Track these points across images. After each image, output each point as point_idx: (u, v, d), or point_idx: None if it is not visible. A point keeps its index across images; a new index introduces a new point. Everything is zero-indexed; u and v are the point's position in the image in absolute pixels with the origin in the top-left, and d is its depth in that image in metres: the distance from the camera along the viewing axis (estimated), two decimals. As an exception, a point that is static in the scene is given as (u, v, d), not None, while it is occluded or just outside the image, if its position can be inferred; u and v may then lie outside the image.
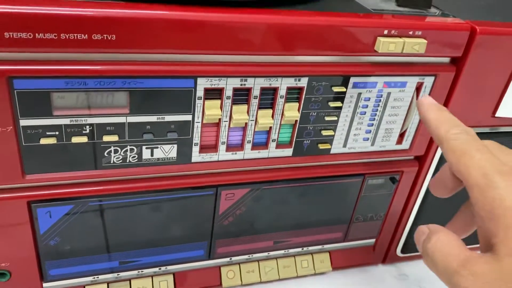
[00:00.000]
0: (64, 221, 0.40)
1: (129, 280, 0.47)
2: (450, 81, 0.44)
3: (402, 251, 0.57)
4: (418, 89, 0.44)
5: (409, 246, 0.56)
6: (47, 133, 0.35)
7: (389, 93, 0.43)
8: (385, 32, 0.39)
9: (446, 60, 0.43)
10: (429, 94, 0.44)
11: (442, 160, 0.49)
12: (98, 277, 0.45)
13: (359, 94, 0.42)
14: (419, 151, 0.48)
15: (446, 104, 0.45)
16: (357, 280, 0.55)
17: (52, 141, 0.36)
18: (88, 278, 0.45)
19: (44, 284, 0.44)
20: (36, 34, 0.31)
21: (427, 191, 0.51)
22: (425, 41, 0.39)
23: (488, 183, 0.30)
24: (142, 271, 0.47)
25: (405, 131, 0.46)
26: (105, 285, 0.46)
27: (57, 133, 0.36)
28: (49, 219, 0.40)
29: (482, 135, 0.48)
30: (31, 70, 0.32)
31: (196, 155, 0.41)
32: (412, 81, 0.43)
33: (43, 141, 0.36)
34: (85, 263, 0.44)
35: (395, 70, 0.41)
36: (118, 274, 0.46)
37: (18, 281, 0.42)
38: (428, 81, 0.43)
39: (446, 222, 0.55)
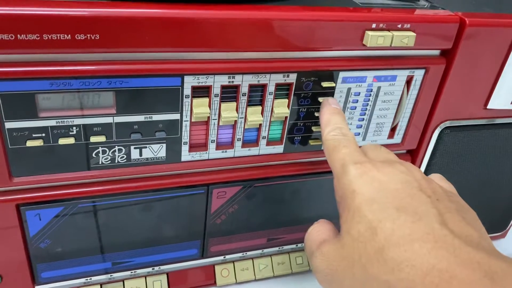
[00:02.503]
0: (54, 223, 0.40)
1: (123, 280, 0.47)
2: (440, 74, 0.43)
3: (397, 245, 0.57)
4: (408, 82, 0.43)
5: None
6: (33, 135, 0.35)
7: (379, 87, 0.43)
8: (373, 25, 0.38)
9: (436, 52, 0.43)
10: (420, 87, 0.44)
11: (434, 153, 0.48)
12: (91, 279, 0.45)
13: (349, 89, 0.42)
14: (411, 145, 0.48)
15: (437, 97, 0.45)
16: (353, 275, 0.55)
17: (38, 143, 0.35)
18: (81, 279, 0.45)
19: (36, 287, 0.43)
20: (18, 35, 0.30)
21: (420, 184, 0.51)
22: (414, 34, 0.39)
23: (343, 171, 0.33)
24: (135, 272, 0.47)
25: (396, 125, 0.46)
26: (98, 286, 0.46)
27: (43, 135, 0.35)
28: (39, 222, 0.40)
29: (476, 128, 0.48)
30: (15, 72, 0.32)
31: (186, 154, 0.40)
32: (402, 75, 0.43)
33: (30, 143, 0.35)
34: (77, 265, 0.44)
35: (384, 64, 0.41)
36: (111, 275, 0.46)
37: (9, 285, 0.42)
38: (418, 74, 0.43)
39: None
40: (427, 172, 0.50)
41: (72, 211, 0.40)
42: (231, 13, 0.35)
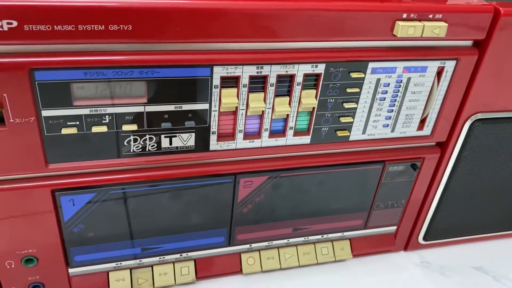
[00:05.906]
0: (87, 208, 0.41)
1: (151, 266, 0.48)
2: (472, 65, 0.42)
3: (424, 238, 0.56)
4: (439, 73, 0.43)
5: (431, 233, 0.55)
6: (68, 123, 0.36)
7: (409, 78, 0.42)
8: (404, 16, 0.38)
9: (468, 43, 0.42)
10: (451, 79, 0.43)
11: (464, 146, 0.48)
12: (121, 263, 0.47)
13: (378, 79, 0.41)
14: (441, 137, 0.47)
15: (468, 88, 0.44)
16: (379, 268, 0.55)
17: (73, 131, 0.37)
18: (111, 264, 0.46)
19: (70, 270, 0.45)
20: (55, 26, 0.31)
21: (449, 177, 0.50)
22: (446, 24, 0.38)
23: None
24: (163, 258, 0.48)
25: (426, 117, 0.45)
26: (128, 271, 0.47)
27: (77, 123, 0.36)
28: (73, 207, 0.41)
29: (509, 121, 0.47)
30: (51, 62, 0.33)
31: (214, 144, 0.41)
32: (432, 66, 0.42)
33: (65, 131, 0.36)
34: (108, 249, 0.45)
35: (414, 54, 0.41)
36: (140, 261, 0.47)
37: (44, 267, 0.44)
38: (450, 65, 0.42)
39: (467, 209, 0.54)
40: (456, 165, 0.49)
41: (104, 197, 0.41)
42: (261, 3, 0.35)
